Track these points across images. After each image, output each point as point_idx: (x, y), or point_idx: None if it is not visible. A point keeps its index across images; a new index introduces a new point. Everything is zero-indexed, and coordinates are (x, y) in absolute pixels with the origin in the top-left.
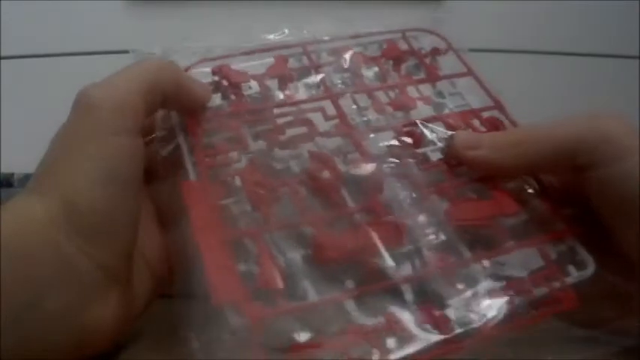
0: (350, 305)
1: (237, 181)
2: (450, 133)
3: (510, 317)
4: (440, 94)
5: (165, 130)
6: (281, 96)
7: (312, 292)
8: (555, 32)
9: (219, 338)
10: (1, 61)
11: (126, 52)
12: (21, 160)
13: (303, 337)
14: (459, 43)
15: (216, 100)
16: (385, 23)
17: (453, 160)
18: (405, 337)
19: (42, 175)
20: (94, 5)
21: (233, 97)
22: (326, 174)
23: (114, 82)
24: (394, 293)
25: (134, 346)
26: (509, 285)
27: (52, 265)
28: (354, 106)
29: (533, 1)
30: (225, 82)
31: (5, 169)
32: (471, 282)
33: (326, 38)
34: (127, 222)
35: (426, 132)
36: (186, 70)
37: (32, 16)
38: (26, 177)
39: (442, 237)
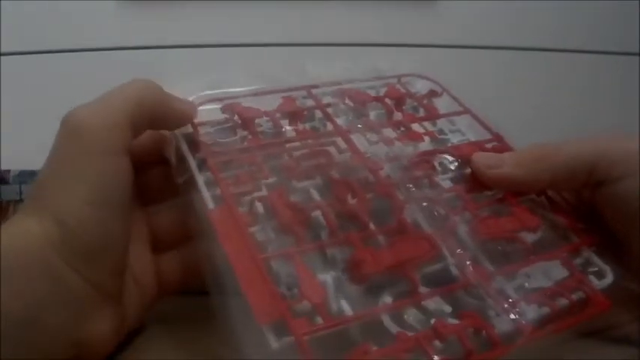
0: (388, 319)
1: (261, 209)
2: (459, 160)
3: (547, 322)
4: (441, 132)
5: (177, 159)
6: (292, 132)
7: (349, 310)
8: (554, 29)
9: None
10: None
11: (119, 49)
12: (17, 157)
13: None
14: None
15: (228, 135)
16: (380, 69)
17: (469, 184)
18: (451, 343)
19: (36, 196)
20: (88, 4)
21: (245, 132)
22: (351, 199)
23: (100, 103)
24: (422, 309)
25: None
26: (541, 293)
27: (47, 283)
28: (365, 141)
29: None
30: (237, 119)
31: (3, 166)
32: (503, 293)
33: (326, 83)
34: (118, 241)
35: (438, 161)
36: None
37: (27, 14)
38: (21, 174)
39: (470, 252)
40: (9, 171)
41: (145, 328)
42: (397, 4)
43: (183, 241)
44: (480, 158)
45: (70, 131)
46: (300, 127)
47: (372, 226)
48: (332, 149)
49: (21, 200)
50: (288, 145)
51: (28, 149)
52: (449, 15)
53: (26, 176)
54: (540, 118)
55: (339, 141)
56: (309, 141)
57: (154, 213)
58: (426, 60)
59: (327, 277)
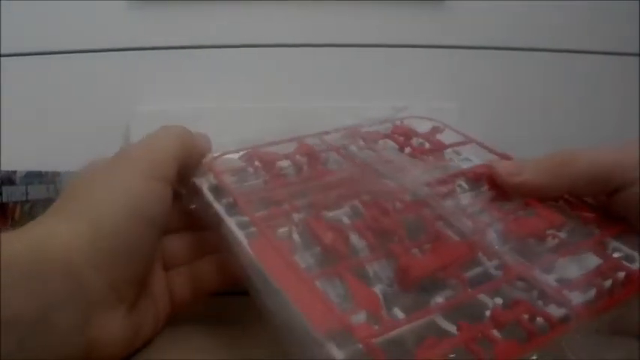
0: (441, 319)
1: (298, 238)
2: (475, 180)
3: (595, 302)
4: (451, 160)
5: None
6: (312, 171)
7: (402, 316)
8: (555, 30)
9: None
10: (3, 58)
11: (129, 49)
12: (22, 158)
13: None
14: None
15: (251, 179)
16: (383, 116)
17: (490, 198)
18: (509, 332)
19: (71, 199)
20: (97, 4)
21: (267, 175)
22: (385, 219)
23: (152, 140)
24: (476, 304)
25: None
26: (581, 279)
27: (64, 282)
28: (383, 172)
29: (532, 0)
30: (257, 164)
31: (7, 167)
32: (546, 283)
33: (335, 129)
34: (144, 255)
35: (456, 184)
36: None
37: (35, 14)
38: (28, 175)
39: (505, 251)
40: (15, 172)
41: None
42: (405, 4)
43: (191, 260)
44: (502, 166)
45: (122, 158)
46: (319, 167)
47: (408, 241)
48: (354, 181)
49: (27, 201)
50: (311, 183)
51: (33, 150)
52: (457, 15)
53: (33, 177)
54: (541, 117)
55: (359, 174)
56: (331, 176)
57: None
58: (434, 60)
59: (376, 291)
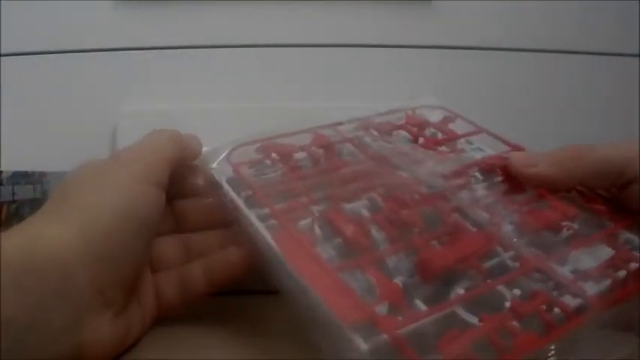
0: (462, 310)
1: (319, 230)
2: (488, 171)
3: (609, 293)
4: (463, 150)
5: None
6: (329, 163)
7: (424, 307)
8: (553, 30)
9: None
10: None
11: (116, 50)
12: (9, 158)
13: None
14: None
15: (268, 172)
16: (396, 105)
17: (504, 189)
18: (528, 323)
19: (62, 201)
20: (82, 5)
21: (284, 167)
22: (404, 211)
23: (143, 146)
24: (495, 294)
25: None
26: (595, 270)
27: (56, 282)
28: (398, 164)
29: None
30: (274, 156)
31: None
32: (561, 275)
33: (349, 120)
34: (134, 259)
35: (469, 174)
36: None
37: (19, 15)
38: (15, 175)
39: (520, 243)
40: (2, 172)
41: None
42: (391, 4)
43: (180, 263)
44: (518, 157)
45: (117, 158)
46: (336, 159)
47: (427, 233)
48: (370, 173)
49: (14, 201)
50: (328, 175)
51: (20, 151)
52: (445, 15)
53: (19, 177)
54: (540, 119)
55: (375, 166)
56: (348, 168)
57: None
58: (421, 60)
59: (397, 282)
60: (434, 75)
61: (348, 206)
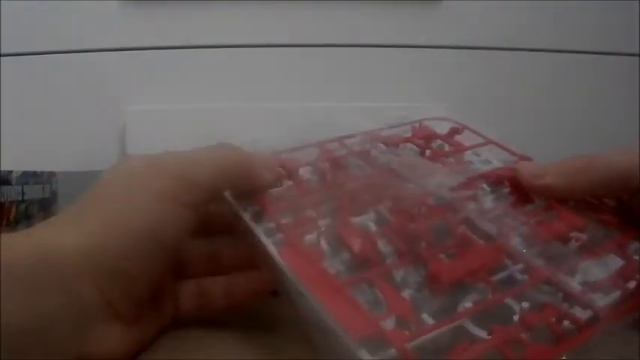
0: (470, 324)
1: (326, 245)
2: (496, 183)
3: (619, 304)
4: (471, 162)
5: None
6: (335, 178)
7: (432, 321)
8: (555, 30)
9: None
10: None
11: (122, 49)
12: (18, 158)
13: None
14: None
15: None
16: (402, 116)
17: (512, 200)
18: (537, 334)
19: (86, 207)
20: (90, 5)
21: (290, 182)
22: (412, 224)
23: (190, 163)
24: (503, 307)
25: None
26: (605, 281)
27: (62, 294)
28: (405, 177)
29: (530, 0)
30: (280, 170)
31: (3, 167)
32: (570, 287)
33: (356, 133)
34: (149, 277)
35: (477, 186)
36: None
37: (30, 14)
38: (24, 174)
39: (529, 255)
40: (11, 172)
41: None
42: (401, 4)
43: (203, 274)
44: (526, 168)
45: (154, 164)
46: (342, 173)
47: (435, 245)
48: (378, 186)
49: (23, 201)
50: (335, 189)
51: (29, 150)
52: (453, 15)
53: (28, 177)
54: (541, 118)
55: (383, 179)
56: (355, 182)
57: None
58: (431, 60)
59: (405, 296)
60: (443, 74)
61: (356, 220)
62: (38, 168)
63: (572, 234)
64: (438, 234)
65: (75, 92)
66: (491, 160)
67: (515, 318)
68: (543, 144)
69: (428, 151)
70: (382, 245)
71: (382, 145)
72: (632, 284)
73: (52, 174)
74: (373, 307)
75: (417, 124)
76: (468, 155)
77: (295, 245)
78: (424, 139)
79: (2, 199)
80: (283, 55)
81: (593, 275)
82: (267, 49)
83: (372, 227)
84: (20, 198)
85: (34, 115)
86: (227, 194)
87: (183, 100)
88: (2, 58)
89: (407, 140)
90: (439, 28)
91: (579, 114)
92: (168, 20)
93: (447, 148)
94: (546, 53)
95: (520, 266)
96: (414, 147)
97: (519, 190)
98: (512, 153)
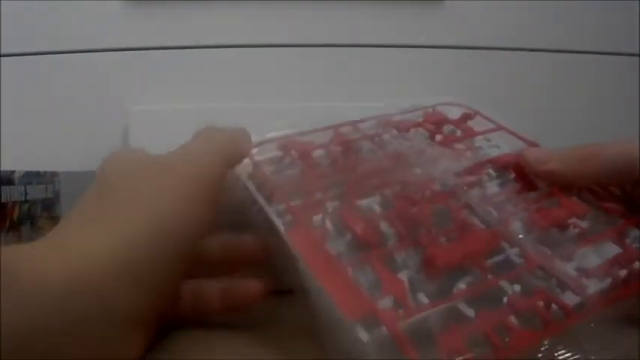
0: (464, 305)
1: (331, 226)
2: (502, 169)
3: (610, 291)
4: (480, 148)
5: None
6: (347, 161)
7: (427, 301)
8: (556, 30)
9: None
10: (2, 58)
11: (125, 50)
12: (21, 158)
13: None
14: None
15: (288, 169)
16: (415, 103)
17: (517, 187)
18: (526, 320)
19: (101, 206)
20: (93, 5)
21: (303, 164)
22: (413, 209)
23: (197, 156)
24: (497, 290)
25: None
26: (599, 268)
27: (91, 304)
28: (414, 161)
29: (531, 0)
30: (294, 153)
31: (5, 167)
32: (565, 272)
33: (369, 117)
34: (174, 282)
35: (484, 171)
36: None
37: (31, 14)
38: (27, 174)
39: (527, 241)
40: (14, 172)
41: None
42: (403, 4)
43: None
44: (531, 153)
45: (164, 165)
46: (353, 156)
47: (435, 230)
48: (386, 171)
49: (26, 201)
50: (345, 173)
51: (32, 150)
52: (456, 15)
53: (31, 177)
54: (541, 118)
55: (391, 164)
56: (364, 166)
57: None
58: (433, 60)
59: (403, 278)
60: (446, 75)
61: (362, 202)
62: (41, 168)
63: (570, 221)
64: (440, 218)
65: (77, 92)
66: (501, 145)
67: (505, 301)
68: (544, 144)
69: (439, 136)
70: (385, 228)
71: (394, 129)
72: (623, 272)
73: (54, 174)
74: (373, 288)
75: (431, 110)
76: (479, 141)
77: (302, 226)
78: (435, 124)
79: (5, 200)
80: (283, 55)
81: (589, 262)
82: (267, 49)
83: (377, 209)
84: (23, 198)
85: (36, 115)
86: (243, 176)
87: (185, 99)
88: (6, 57)
89: (418, 125)
90: (442, 28)
91: (579, 114)
92: (170, 20)
93: (458, 133)
94: (546, 53)
95: (516, 250)
96: (425, 132)
97: (524, 177)
98: (523, 139)
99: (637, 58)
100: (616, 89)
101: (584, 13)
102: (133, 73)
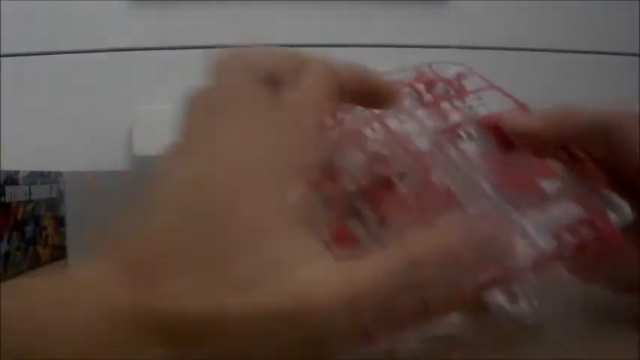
0: None
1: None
2: (484, 129)
3: (561, 253)
4: (471, 108)
5: None
6: (330, 120)
7: None
8: (556, 30)
9: None
10: (3, 58)
11: (130, 49)
12: (25, 158)
13: None
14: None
15: None
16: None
17: (494, 148)
18: None
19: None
20: (98, 5)
21: None
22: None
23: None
24: None
25: None
26: (557, 228)
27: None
28: (397, 122)
29: (533, 0)
30: None
31: (10, 167)
32: (522, 229)
33: None
34: None
35: (464, 131)
36: None
37: (36, 14)
38: (31, 174)
39: (492, 201)
40: (18, 172)
41: None
42: (408, 4)
43: None
44: (511, 114)
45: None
46: (338, 115)
47: (401, 187)
48: (368, 131)
49: (30, 201)
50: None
51: (36, 150)
52: (460, 15)
53: (36, 177)
54: None
55: (375, 124)
56: (347, 125)
57: None
58: (434, 60)
59: (360, 231)
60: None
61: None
62: (45, 168)
63: (542, 182)
64: (407, 179)
65: (81, 92)
66: (491, 105)
67: None
68: None
69: (428, 96)
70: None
71: None
72: (580, 234)
73: (58, 174)
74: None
75: (427, 67)
76: (471, 100)
77: None
78: (426, 84)
79: (9, 200)
80: None
81: (552, 220)
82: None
83: (352, 169)
84: (27, 198)
85: (39, 115)
86: None
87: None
88: (8, 57)
89: (408, 85)
90: (446, 29)
91: None
92: (174, 21)
93: (451, 92)
94: (548, 53)
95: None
96: (413, 92)
97: (503, 138)
98: (513, 99)
99: (637, 58)
100: (616, 89)
101: (585, 13)
102: (137, 73)
